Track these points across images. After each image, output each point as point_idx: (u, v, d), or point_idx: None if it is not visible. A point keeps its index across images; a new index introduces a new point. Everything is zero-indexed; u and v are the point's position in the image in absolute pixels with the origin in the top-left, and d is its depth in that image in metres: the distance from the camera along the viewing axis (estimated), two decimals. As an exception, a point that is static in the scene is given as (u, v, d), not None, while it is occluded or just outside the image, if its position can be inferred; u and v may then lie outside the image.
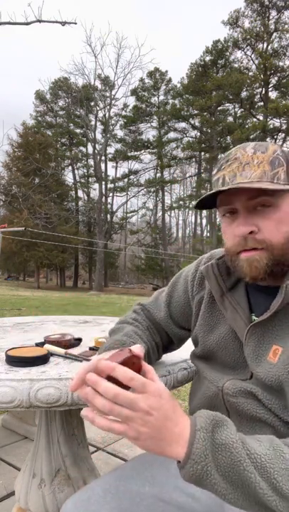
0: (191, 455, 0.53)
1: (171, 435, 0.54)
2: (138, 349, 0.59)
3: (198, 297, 0.89)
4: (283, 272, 0.70)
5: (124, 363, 0.54)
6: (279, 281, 0.71)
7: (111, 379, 0.53)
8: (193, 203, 36.87)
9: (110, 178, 39.14)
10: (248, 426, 0.72)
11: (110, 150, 38.60)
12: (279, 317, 0.70)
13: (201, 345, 0.87)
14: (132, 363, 0.55)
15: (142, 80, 36.60)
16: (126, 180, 39.76)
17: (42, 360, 1.00)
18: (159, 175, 38.68)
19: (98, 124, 36.08)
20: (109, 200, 38.26)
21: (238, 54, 35.45)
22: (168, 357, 1.06)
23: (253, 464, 0.53)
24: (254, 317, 0.76)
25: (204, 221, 43.90)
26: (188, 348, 0.99)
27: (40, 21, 6.33)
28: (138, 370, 0.56)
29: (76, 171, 39.30)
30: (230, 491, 0.53)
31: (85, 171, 39.54)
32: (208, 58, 33.04)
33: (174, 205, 43.33)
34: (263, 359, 0.71)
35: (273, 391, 0.69)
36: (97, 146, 34.25)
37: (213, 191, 0.69)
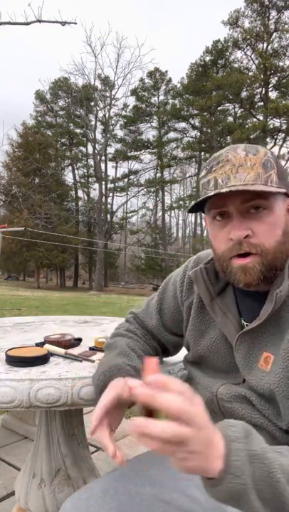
0: (229, 469, 0.48)
1: (213, 450, 0.48)
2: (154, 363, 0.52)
3: (187, 302, 0.88)
4: (273, 276, 0.70)
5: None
6: (267, 286, 0.70)
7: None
8: (193, 203, 36.87)
9: (110, 178, 39.18)
10: None
11: (110, 150, 38.69)
12: (269, 324, 0.70)
13: (192, 351, 0.87)
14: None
15: (142, 80, 36.67)
16: (126, 180, 39.78)
17: (42, 360, 1.00)
18: (159, 175, 38.70)
19: (98, 124, 36.14)
20: (109, 200, 38.32)
21: (238, 54, 35.46)
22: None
23: (284, 475, 0.49)
24: (243, 321, 0.76)
25: (204, 221, 43.81)
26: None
27: (40, 21, 6.33)
28: None
29: (76, 171, 39.35)
30: (261, 507, 0.49)
31: (85, 171, 39.58)
32: (208, 58, 33.06)
33: (174, 205, 43.34)
34: (254, 366, 0.71)
35: (266, 398, 0.69)
36: (97, 146, 34.27)
37: (211, 194, 0.66)
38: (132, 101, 40.59)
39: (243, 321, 0.76)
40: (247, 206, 0.67)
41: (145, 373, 0.50)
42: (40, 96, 37.06)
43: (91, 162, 37.36)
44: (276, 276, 0.70)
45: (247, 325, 0.75)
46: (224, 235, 0.69)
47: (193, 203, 0.72)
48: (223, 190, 0.64)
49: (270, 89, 30.95)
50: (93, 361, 1.01)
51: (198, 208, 0.74)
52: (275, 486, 0.49)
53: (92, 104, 35.04)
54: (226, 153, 0.70)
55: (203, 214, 0.78)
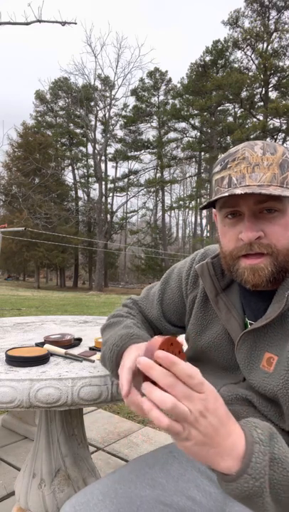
0: (248, 469, 0.48)
1: (224, 445, 0.49)
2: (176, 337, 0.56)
3: (191, 296, 0.88)
4: (281, 278, 0.69)
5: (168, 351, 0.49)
6: (273, 286, 0.70)
7: (148, 379, 0.48)
8: (194, 203, 36.92)
9: (110, 178, 39.18)
10: None
11: (110, 150, 38.69)
12: (273, 324, 0.69)
13: (192, 345, 0.86)
14: (174, 352, 0.51)
15: (141, 80, 36.66)
16: (126, 180, 39.78)
17: (42, 360, 0.99)
18: (159, 175, 38.69)
19: (98, 124, 36.15)
20: (109, 200, 38.32)
21: (238, 54, 35.52)
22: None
23: None
24: (247, 320, 0.75)
25: (204, 221, 43.89)
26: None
27: (40, 21, 6.32)
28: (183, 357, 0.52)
29: (76, 171, 39.34)
30: (273, 509, 0.50)
31: (85, 171, 39.57)
32: (208, 58, 33.05)
33: (174, 205, 43.32)
34: (256, 366, 0.70)
35: (268, 399, 0.68)
36: (97, 146, 34.27)
37: (225, 194, 0.64)
38: (132, 101, 40.69)
39: (246, 319, 0.75)
40: (260, 207, 0.65)
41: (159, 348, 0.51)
42: (40, 96, 37.05)
43: (91, 162, 37.38)
44: (284, 277, 0.69)
45: (250, 323, 0.74)
46: (235, 233, 0.68)
47: (206, 201, 0.71)
48: (238, 192, 0.62)
49: (270, 89, 30.95)
50: (93, 361, 1.01)
51: (209, 204, 0.73)
52: None
53: (92, 104, 35.04)
54: (242, 150, 0.68)
55: (213, 209, 0.77)
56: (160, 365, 0.48)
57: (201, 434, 0.48)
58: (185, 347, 0.94)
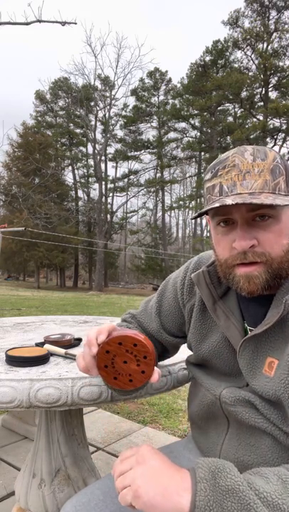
0: (195, 509, 0.50)
1: (175, 482, 0.54)
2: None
3: (189, 305, 0.87)
4: (277, 284, 0.68)
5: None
6: (271, 291, 0.69)
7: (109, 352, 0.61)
8: (194, 203, 36.88)
9: (110, 178, 39.15)
10: (247, 434, 0.71)
11: (110, 150, 38.66)
12: (273, 329, 0.68)
13: (194, 353, 0.86)
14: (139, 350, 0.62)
15: (141, 80, 36.63)
16: (126, 180, 39.75)
17: (42, 360, 0.99)
18: (159, 175, 38.68)
19: (98, 124, 36.12)
20: (109, 200, 38.29)
21: (238, 54, 35.51)
22: (168, 357, 1.06)
23: (264, 504, 0.50)
24: (246, 325, 0.75)
25: (204, 221, 43.68)
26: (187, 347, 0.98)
27: (40, 21, 6.32)
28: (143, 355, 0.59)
29: (76, 171, 39.32)
30: None
31: (85, 171, 39.54)
32: (208, 58, 33.03)
33: (174, 205, 43.29)
34: (258, 372, 0.70)
35: (271, 402, 0.68)
36: (97, 146, 34.25)
37: (216, 205, 0.62)
38: (132, 101, 40.69)
39: (246, 325, 0.75)
40: (253, 215, 0.64)
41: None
42: (40, 96, 37.03)
43: (91, 162, 37.36)
44: (280, 283, 0.68)
45: (250, 329, 0.74)
46: (228, 241, 0.67)
47: (198, 213, 0.69)
48: (229, 202, 0.61)
49: (270, 89, 30.93)
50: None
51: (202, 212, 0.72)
52: None
53: (92, 104, 35.03)
54: (232, 157, 0.66)
55: (206, 215, 0.76)
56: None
57: (145, 477, 0.54)
58: (185, 352, 0.95)
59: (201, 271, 0.80)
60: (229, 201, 0.61)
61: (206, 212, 0.73)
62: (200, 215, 0.71)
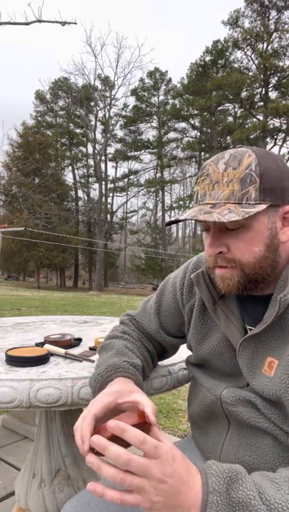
0: None
1: (189, 500, 0.50)
2: (149, 409, 0.56)
3: (188, 305, 0.87)
4: (268, 282, 0.69)
5: (135, 426, 0.49)
6: (270, 290, 0.70)
7: (112, 439, 0.48)
8: (193, 203, 36.84)
9: (110, 178, 39.17)
10: (248, 434, 0.71)
11: (110, 150, 38.68)
12: (272, 328, 0.69)
13: (194, 353, 0.86)
14: (142, 427, 0.51)
15: (141, 80, 36.65)
16: (126, 180, 39.77)
17: (42, 360, 1.00)
18: (159, 175, 38.69)
19: (98, 124, 36.14)
20: (109, 200, 38.31)
21: (238, 54, 35.44)
22: (168, 357, 1.06)
23: None
24: (246, 325, 0.75)
25: (204, 221, 43.77)
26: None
27: (40, 21, 6.32)
28: (147, 431, 0.52)
29: (76, 171, 39.34)
30: None
31: (85, 171, 39.56)
32: (208, 58, 33.05)
33: (174, 205, 43.29)
34: (258, 371, 0.70)
35: (272, 402, 0.68)
36: (97, 146, 34.27)
37: (181, 218, 0.67)
38: (132, 101, 40.66)
39: (246, 325, 0.75)
40: (224, 224, 0.65)
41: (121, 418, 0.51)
42: (40, 96, 37.04)
43: (91, 162, 37.37)
44: (256, 286, 0.69)
45: (250, 329, 0.74)
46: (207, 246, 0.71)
47: (174, 219, 0.72)
48: (181, 218, 0.66)
49: (270, 89, 30.94)
50: (93, 361, 1.01)
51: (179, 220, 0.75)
52: None
53: (92, 104, 35.04)
54: (208, 165, 0.68)
55: None
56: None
57: (164, 499, 0.48)
58: (185, 352, 0.94)
59: (201, 271, 0.81)
60: (184, 216, 0.66)
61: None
62: (170, 223, 0.75)
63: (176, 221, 0.71)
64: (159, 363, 1.03)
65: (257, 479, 0.54)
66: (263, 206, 0.63)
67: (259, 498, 0.50)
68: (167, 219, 43.87)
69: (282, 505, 0.50)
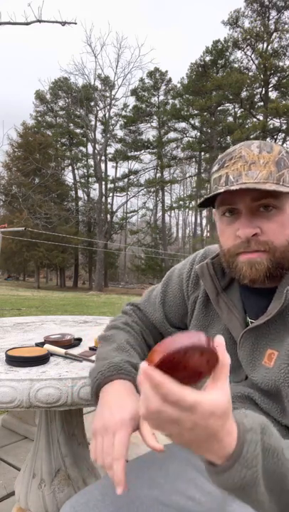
0: (239, 458, 0.45)
1: (219, 443, 0.44)
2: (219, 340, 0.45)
3: (193, 297, 0.88)
4: (279, 275, 0.69)
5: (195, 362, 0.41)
6: (273, 283, 0.70)
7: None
8: (194, 203, 36.91)
9: (110, 178, 39.17)
10: None
11: (110, 150, 38.68)
12: (274, 321, 0.69)
13: None
14: (206, 361, 0.42)
15: (141, 80, 36.65)
16: (126, 180, 39.78)
17: (42, 360, 0.99)
18: (159, 175, 38.69)
19: (98, 124, 36.15)
20: (109, 200, 38.31)
21: (238, 54, 35.39)
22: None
23: None
24: (248, 318, 0.76)
25: (204, 221, 43.88)
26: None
27: (40, 21, 6.32)
28: (212, 366, 0.43)
29: (76, 171, 39.34)
30: (268, 500, 0.48)
31: (85, 171, 39.56)
32: (208, 58, 33.04)
33: (174, 205, 43.31)
34: (258, 363, 0.70)
35: (270, 395, 0.68)
36: (97, 146, 34.27)
37: (221, 190, 0.65)
38: (132, 101, 40.62)
39: (248, 318, 0.76)
40: (257, 205, 0.66)
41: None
42: (40, 96, 37.04)
43: (91, 162, 37.37)
44: (283, 274, 0.69)
45: (251, 322, 0.74)
46: (232, 231, 0.69)
47: (203, 198, 0.71)
48: (233, 188, 0.64)
49: (270, 89, 30.94)
50: (93, 361, 1.01)
51: (208, 203, 0.74)
52: (286, 481, 0.48)
53: (92, 104, 35.04)
54: (239, 149, 0.69)
55: (213, 209, 0.78)
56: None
57: (190, 440, 0.44)
58: None
59: (205, 263, 0.81)
60: (233, 187, 0.64)
61: (212, 205, 0.75)
62: (206, 203, 0.73)
63: (210, 199, 0.70)
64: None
65: (284, 441, 0.52)
66: None
67: (284, 452, 0.50)
68: (167, 219, 43.95)
69: None
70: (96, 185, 34.67)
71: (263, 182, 0.64)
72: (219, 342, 0.43)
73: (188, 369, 0.41)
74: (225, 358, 0.43)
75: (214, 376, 0.44)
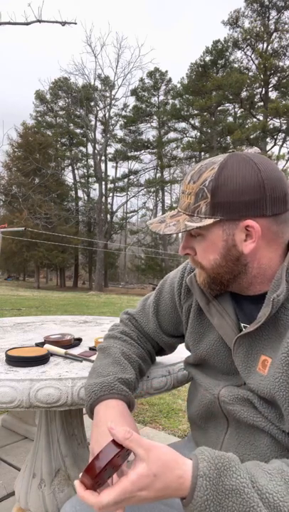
0: (192, 500, 0.51)
1: (176, 485, 0.52)
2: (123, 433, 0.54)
3: (186, 306, 0.88)
4: (259, 281, 0.70)
5: (111, 461, 0.52)
6: (261, 290, 0.71)
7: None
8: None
9: (110, 178, 39.15)
10: (247, 432, 0.72)
11: (110, 150, 38.67)
12: (266, 327, 0.69)
13: (192, 353, 0.87)
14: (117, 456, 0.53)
15: (141, 80, 36.64)
16: (126, 180, 39.77)
17: (42, 360, 1.00)
18: (159, 175, 38.68)
19: (98, 124, 36.13)
20: (109, 200, 38.30)
21: (238, 54, 35.42)
22: (168, 357, 1.06)
23: (265, 505, 0.51)
24: (242, 324, 0.76)
25: (204, 221, 43.72)
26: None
27: (40, 21, 6.31)
28: (126, 454, 0.56)
29: (76, 171, 39.34)
30: None
31: (85, 171, 39.57)
32: (208, 58, 33.02)
33: (174, 205, 43.26)
34: (253, 370, 0.70)
35: (268, 401, 0.68)
36: (97, 146, 34.27)
37: (153, 221, 0.77)
38: (132, 101, 40.70)
39: (241, 324, 0.76)
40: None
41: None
42: (40, 96, 37.03)
43: (91, 162, 37.37)
44: (229, 284, 0.73)
45: (245, 327, 0.75)
46: None
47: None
48: (150, 222, 0.77)
49: (270, 89, 30.92)
50: (93, 361, 1.01)
51: None
52: None
53: (92, 104, 35.03)
54: (187, 173, 0.74)
55: None
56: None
57: (155, 498, 0.52)
58: (185, 352, 0.95)
59: (193, 274, 0.83)
60: (151, 220, 0.77)
61: None
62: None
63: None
64: (159, 362, 1.04)
65: (250, 468, 0.55)
66: (209, 221, 0.66)
67: (252, 486, 0.52)
68: (167, 219, 43.72)
69: (274, 496, 0.51)
70: (96, 185, 34.67)
71: (183, 212, 0.71)
72: (121, 436, 0.52)
73: (113, 468, 0.54)
74: (126, 441, 0.52)
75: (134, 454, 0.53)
